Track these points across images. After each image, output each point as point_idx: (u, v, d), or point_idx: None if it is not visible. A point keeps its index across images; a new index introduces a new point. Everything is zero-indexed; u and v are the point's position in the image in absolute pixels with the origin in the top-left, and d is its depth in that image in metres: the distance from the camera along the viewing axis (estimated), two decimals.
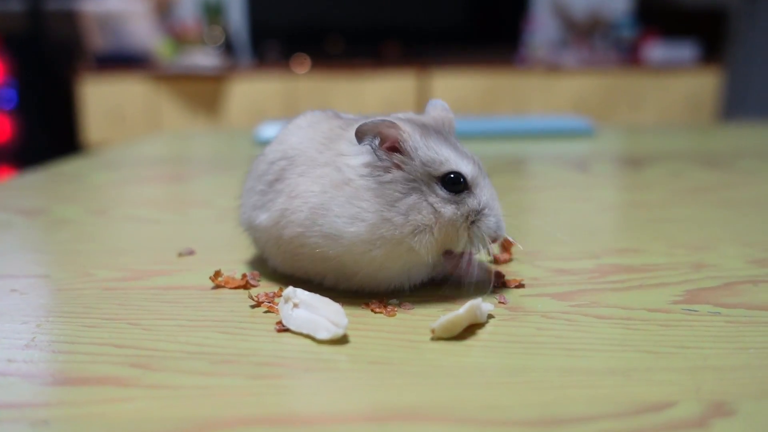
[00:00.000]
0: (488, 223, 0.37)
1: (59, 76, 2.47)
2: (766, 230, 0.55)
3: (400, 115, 0.41)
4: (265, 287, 0.40)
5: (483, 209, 0.37)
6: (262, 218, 0.40)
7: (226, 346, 0.32)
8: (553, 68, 2.48)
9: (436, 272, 0.39)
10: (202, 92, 2.42)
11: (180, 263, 0.46)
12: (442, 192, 0.36)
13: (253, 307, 0.37)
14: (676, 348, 0.31)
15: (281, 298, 0.35)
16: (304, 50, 2.52)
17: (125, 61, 2.41)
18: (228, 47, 2.56)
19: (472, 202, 0.37)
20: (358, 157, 0.37)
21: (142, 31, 2.47)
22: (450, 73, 2.44)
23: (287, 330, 0.34)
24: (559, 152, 1.01)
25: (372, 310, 0.36)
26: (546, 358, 0.30)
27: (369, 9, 2.61)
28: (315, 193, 0.37)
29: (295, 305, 0.34)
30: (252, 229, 0.42)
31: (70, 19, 2.48)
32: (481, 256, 0.40)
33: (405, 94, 2.42)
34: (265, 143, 0.44)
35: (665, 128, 1.45)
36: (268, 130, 1.06)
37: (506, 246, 0.46)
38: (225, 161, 0.99)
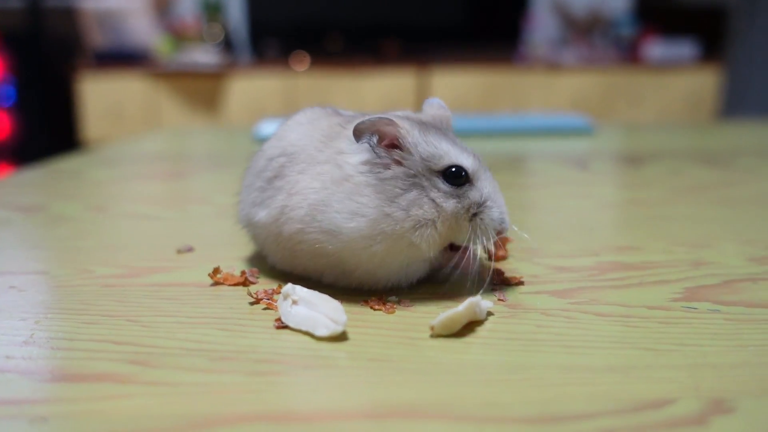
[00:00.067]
0: (492, 215, 0.37)
1: (58, 73, 2.47)
2: (766, 228, 0.55)
3: (398, 113, 0.41)
4: (264, 284, 0.40)
5: (485, 201, 0.37)
6: (261, 215, 0.40)
7: (225, 343, 0.32)
8: (552, 66, 2.48)
9: (432, 268, 0.39)
10: (201, 89, 2.42)
11: (179, 260, 0.46)
12: (443, 186, 0.36)
13: (252, 304, 0.37)
14: (676, 345, 0.31)
15: (280, 295, 0.35)
16: (304, 48, 2.51)
17: (124, 58, 2.40)
18: (227, 44, 2.55)
19: (474, 195, 0.37)
20: (357, 155, 0.37)
21: (142, 29, 2.46)
22: (450, 71, 2.44)
23: (286, 327, 0.34)
24: (559, 150, 1.01)
25: (371, 307, 0.36)
26: (545, 355, 0.30)
27: (369, 6, 2.61)
28: (315, 190, 0.37)
29: (294, 302, 0.34)
30: (251, 226, 0.42)
31: (70, 16, 2.48)
32: (479, 252, 0.40)
33: (405, 91, 2.42)
34: (264, 140, 0.44)
35: (665, 126, 1.45)
36: (268, 128, 1.05)
37: (502, 242, 0.46)
38: (224, 158, 0.99)
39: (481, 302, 0.34)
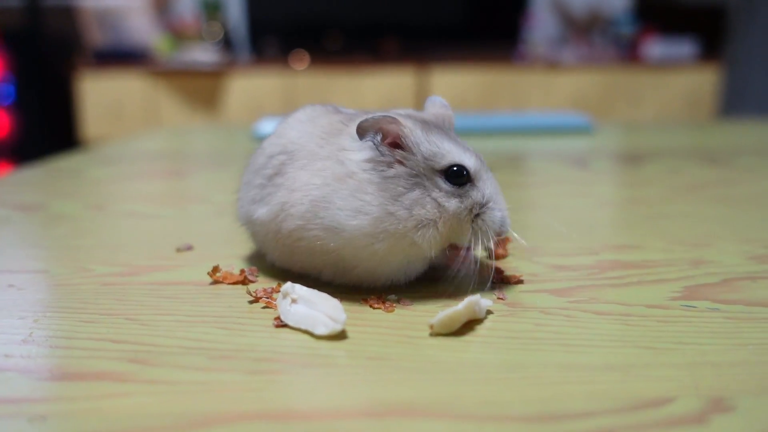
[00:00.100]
0: (493, 216, 0.37)
1: (57, 71, 2.46)
2: (765, 227, 0.55)
3: (400, 111, 0.41)
4: (263, 283, 0.40)
5: (488, 202, 0.37)
6: (261, 212, 0.40)
7: (224, 342, 0.32)
8: (552, 65, 2.47)
9: (437, 267, 0.39)
10: (200, 88, 2.41)
11: (178, 259, 0.46)
12: (445, 186, 0.36)
13: (251, 302, 0.37)
14: (675, 344, 0.31)
15: (279, 294, 0.35)
16: (303, 46, 2.51)
17: (124, 56, 2.40)
18: (227, 43, 2.55)
19: (476, 195, 0.37)
20: (360, 152, 0.37)
21: (141, 27, 2.46)
22: (449, 70, 2.44)
23: (285, 325, 0.34)
24: (558, 149, 1.01)
25: (370, 306, 0.36)
26: (544, 354, 0.30)
27: (368, 5, 2.60)
28: (317, 186, 0.36)
29: (294, 301, 0.34)
30: (250, 224, 0.42)
31: (69, 15, 2.48)
32: (478, 252, 0.40)
33: (404, 90, 2.42)
34: (263, 139, 0.44)
35: (664, 125, 1.45)
36: (267, 126, 1.05)
37: (502, 241, 0.46)
38: (223, 157, 0.98)
39: (480, 301, 0.34)
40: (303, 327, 0.33)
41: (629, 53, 2.57)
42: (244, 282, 0.40)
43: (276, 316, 0.34)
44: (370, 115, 0.36)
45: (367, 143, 0.37)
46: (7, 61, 2.32)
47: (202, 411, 0.25)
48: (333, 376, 0.29)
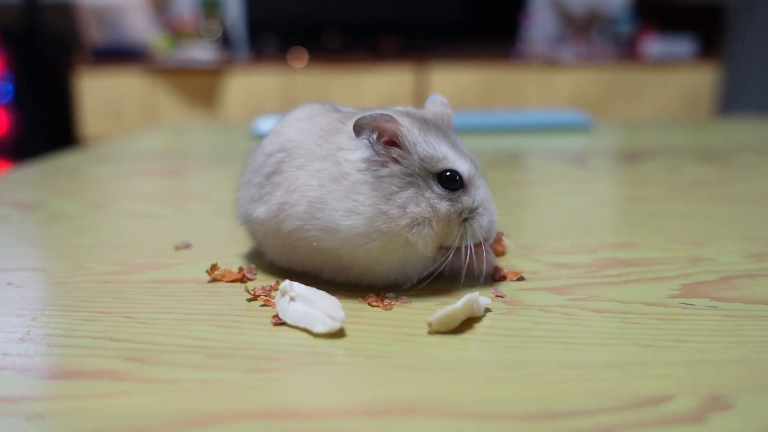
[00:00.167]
0: (481, 222, 0.38)
1: (56, 69, 2.46)
2: (764, 225, 0.55)
3: (400, 108, 0.41)
4: (261, 281, 0.40)
5: (477, 208, 0.38)
6: (260, 211, 0.40)
7: (223, 340, 0.32)
8: (550, 63, 2.47)
9: (434, 266, 0.39)
10: (199, 86, 2.41)
11: (177, 257, 0.46)
12: (438, 189, 0.37)
13: (249, 300, 0.37)
14: (674, 342, 0.31)
15: (278, 292, 0.35)
16: (302, 44, 2.51)
17: (122, 54, 2.40)
18: (225, 41, 2.55)
19: (466, 201, 0.37)
20: (356, 151, 0.37)
21: (139, 25, 2.46)
22: (448, 68, 2.44)
23: (284, 324, 0.33)
24: (557, 147, 1.01)
25: (369, 304, 0.36)
26: (543, 351, 0.30)
27: (366, 3, 2.60)
28: (313, 187, 0.37)
29: (292, 299, 0.34)
30: (249, 222, 0.42)
31: (67, 13, 2.47)
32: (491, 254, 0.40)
33: (403, 88, 2.42)
34: (262, 137, 0.44)
35: (663, 123, 1.45)
36: (266, 124, 1.05)
37: (499, 239, 0.46)
38: (222, 155, 0.98)
39: (479, 299, 0.34)
40: (301, 325, 0.33)
41: (628, 51, 2.57)
42: (243, 280, 0.40)
43: (274, 314, 0.34)
44: (367, 113, 0.36)
45: (363, 141, 0.37)
46: (6, 59, 2.32)
47: (200, 409, 0.25)
48: (331, 374, 0.28)
